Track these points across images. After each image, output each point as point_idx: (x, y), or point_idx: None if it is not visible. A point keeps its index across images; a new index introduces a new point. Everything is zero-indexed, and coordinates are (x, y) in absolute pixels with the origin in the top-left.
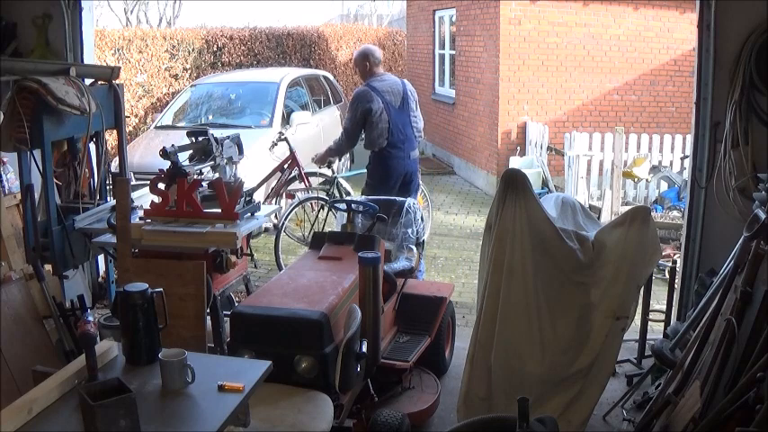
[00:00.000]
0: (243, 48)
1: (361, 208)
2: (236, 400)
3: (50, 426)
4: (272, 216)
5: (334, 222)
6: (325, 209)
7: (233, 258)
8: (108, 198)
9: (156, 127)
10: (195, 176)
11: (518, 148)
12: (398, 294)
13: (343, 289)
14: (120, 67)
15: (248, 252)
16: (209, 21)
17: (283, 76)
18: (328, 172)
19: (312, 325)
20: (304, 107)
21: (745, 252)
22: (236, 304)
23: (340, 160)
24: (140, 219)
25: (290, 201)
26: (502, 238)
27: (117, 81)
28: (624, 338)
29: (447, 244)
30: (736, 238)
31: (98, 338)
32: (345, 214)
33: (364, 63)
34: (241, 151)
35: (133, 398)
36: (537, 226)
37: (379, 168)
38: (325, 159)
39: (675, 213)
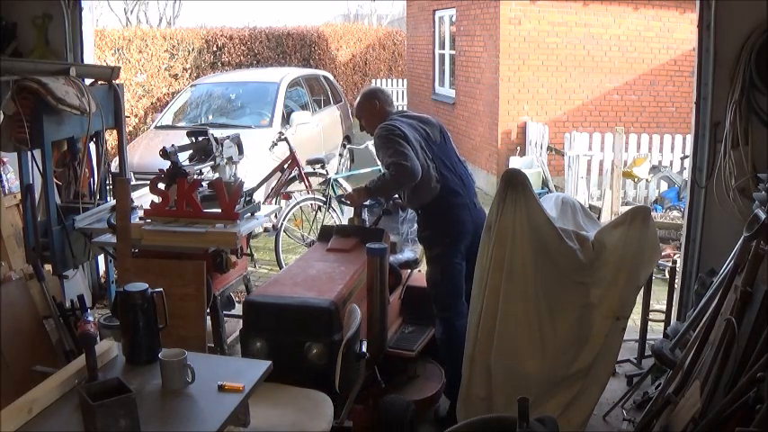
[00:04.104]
0: (243, 48)
1: (367, 202)
2: (236, 400)
3: (50, 426)
4: (272, 216)
5: (332, 222)
6: (323, 209)
7: (233, 258)
8: (108, 198)
9: (156, 127)
10: (195, 176)
11: (518, 148)
12: (404, 286)
13: (352, 278)
14: (120, 67)
15: (248, 252)
16: (209, 21)
17: (283, 76)
18: (326, 172)
19: (322, 313)
20: (304, 107)
21: (745, 252)
22: (236, 304)
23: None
24: (140, 219)
25: (287, 201)
26: (502, 238)
27: (117, 81)
28: (624, 338)
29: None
30: (736, 238)
31: (98, 338)
32: (353, 208)
33: (372, 103)
34: (241, 151)
35: (133, 398)
36: (537, 226)
37: (443, 226)
38: (359, 200)
39: (675, 213)
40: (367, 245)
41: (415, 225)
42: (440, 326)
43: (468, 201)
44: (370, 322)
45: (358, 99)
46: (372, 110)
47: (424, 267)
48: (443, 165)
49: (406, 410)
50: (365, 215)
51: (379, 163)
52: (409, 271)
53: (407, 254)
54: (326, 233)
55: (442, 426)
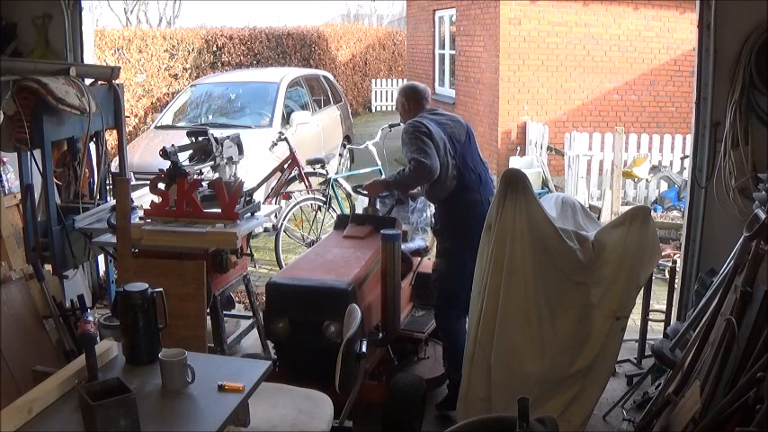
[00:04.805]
0: (243, 48)
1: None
2: (236, 400)
3: (50, 426)
4: (272, 216)
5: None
6: (323, 209)
7: (233, 258)
8: (108, 198)
9: (156, 127)
10: (195, 176)
11: (518, 148)
12: (414, 272)
13: (367, 262)
14: (120, 67)
15: (248, 252)
16: (209, 21)
17: (283, 76)
18: (326, 172)
19: (339, 293)
20: (304, 107)
21: (745, 252)
22: (236, 304)
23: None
24: (140, 219)
25: (287, 201)
26: (502, 238)
27: (117, 81)
28: (624, 338)
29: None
30: (736, 238)
31: (98, 338)
32: (367, 200)
33: (405, 99)
34: (241, 151)
35: (133, 398)
36: (537, 226)
37: (456, 221)
38: (376, 192)
39: (675, 213)
40: (381, 231)
41: (425, 215)
42: (439, 316)
43: (483, 199)
44: (385, 303)
45: (397, 94)
46: (405, 106)
47: (433, 255)
48: (464, 163)
49: (418, 386)
50: (378, 205)
51: (378, 162)
52: (420, 258)
53: (418, 242)
54: (343, 221)
55: (441, 409)
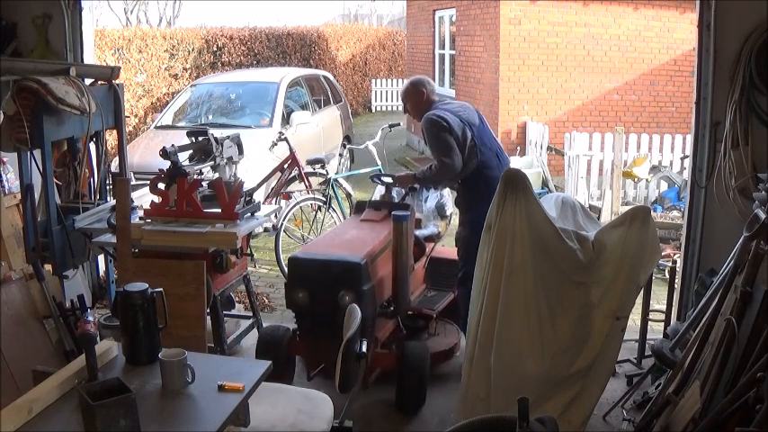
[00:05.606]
0: (243, 48)
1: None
2: (236, 400)
3: (50, 426)
4: (272, 216)
5: (335, 222)
6: (323, 209)
7: (233, 258)
8: (108, 198)
9: (156, 127)
10: (195, 176)
11: (518, 148)
12: (427, 257)
13: (380, 241)
14: (120, 67)
15: (248, 252)
16: (209, 21)
17: (283, 76)
18: (326, 172)
19: (354, 267)
20: (304, 107)
21: (745, 252)
22: (236, 304)
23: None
24: (140, 219)
25: (287, 201)
26: (502, 238)
27: (117, 81)
28: (624, 338)
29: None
30: (736, 238)
31: (98, 338)
32: (384, 187)
33: (420, 92)
34: (241, 151)
35: (133, 398)
36: (537, 226)
37: (476, 195)
38: (405, 184)
39: (675, 213)
40: (393, 212)
41: (437, 203)
42: (463, 276)
43: (500, 175)
44: (396, 279)
45: (405, 86)
46: (420, 98)
47: (444, 240)
48: (482, 143)
49: (426, 353)
50: (393, 193)
51: (378, 162)
52: (433, 244)
53: (431, 228)
54: (360, 207)
55: None
